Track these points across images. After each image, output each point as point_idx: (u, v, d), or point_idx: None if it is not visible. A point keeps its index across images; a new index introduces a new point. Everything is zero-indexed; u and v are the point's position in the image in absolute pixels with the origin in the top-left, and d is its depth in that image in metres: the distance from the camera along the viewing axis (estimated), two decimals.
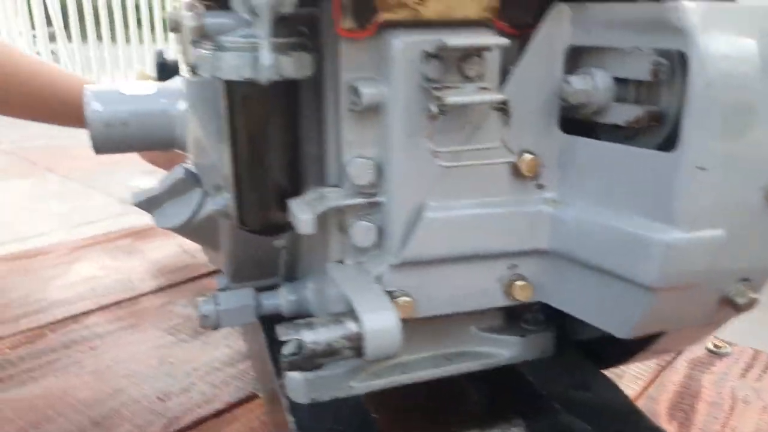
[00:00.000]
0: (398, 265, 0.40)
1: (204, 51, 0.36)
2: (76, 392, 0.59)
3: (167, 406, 0.56)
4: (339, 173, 0.41)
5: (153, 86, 0.55)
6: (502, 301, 0.44)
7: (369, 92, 0.37)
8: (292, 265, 0.56)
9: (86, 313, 0.74)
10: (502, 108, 0.36)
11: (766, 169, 0.35)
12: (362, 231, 0.40)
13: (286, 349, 0.35)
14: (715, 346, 0.62)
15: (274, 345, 0.42)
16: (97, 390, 0.59)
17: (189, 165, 0.49)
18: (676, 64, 0.35)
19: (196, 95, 0.43)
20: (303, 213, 0.37)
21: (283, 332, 0.36)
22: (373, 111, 0.38)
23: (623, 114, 0.38)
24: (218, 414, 0.55)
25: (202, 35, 0.35)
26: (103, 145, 0.54)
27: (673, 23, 0.33)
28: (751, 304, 0.39)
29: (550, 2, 0.38)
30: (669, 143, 0.35)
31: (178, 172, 0.49)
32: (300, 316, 0.51)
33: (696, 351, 0.64)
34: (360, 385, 0.45)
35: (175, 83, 0.56)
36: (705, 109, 0.33)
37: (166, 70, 0.61)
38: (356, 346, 0.36)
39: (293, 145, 0.39)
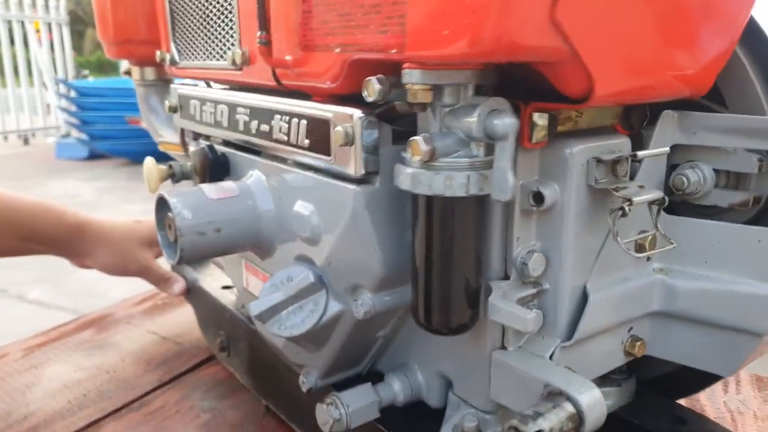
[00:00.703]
0: (570, 345, 0.45)
1: (420, 169, 0.38)
2: None
3: None
4: (505, 267, 0.44)
5: (234, 187, 0.52)
6: (622, 360, 0.51)
7: (549, 194, 0.42)
8: (378, 356, 0.56)
9: (96, 423, 0.66)
10: (662, 201, 0.43)
11: None
12: (534, 318, 0.44)
13: None
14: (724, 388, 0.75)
15: None
16: None
17: (312, 268, 0.48)
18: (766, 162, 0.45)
19: (363, 204, 0.43)
20: (526, 313, 0.40)
21: (525, 423, 0.38)
22: (543, 210, 0.43)
23: (726, 198, 0.47)
24: None
25: (430, 157, 0.37)
26: (191, 254, 0.50)
27: None
28: None
29: (660, 111, 0.46)
30: (757, 221, 0.45)
31: (306, 278, 0.48)
32: (411, 403, 0.53)
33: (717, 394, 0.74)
34: None
35: (251, 180, 0.54)
36: None
37: (217, 165, 0.58)
38: (576, 424, 0.40)
39: (480, 250, 0.42)
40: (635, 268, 0.49)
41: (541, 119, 0.39)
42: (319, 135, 0.45)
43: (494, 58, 0.33)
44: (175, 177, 0.66)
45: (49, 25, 7.36)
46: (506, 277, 0.44)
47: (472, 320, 0.42)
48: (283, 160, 0.52)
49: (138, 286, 0.92)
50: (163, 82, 0.82)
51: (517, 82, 0.40)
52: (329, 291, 0.49)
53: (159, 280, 0.88)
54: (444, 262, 0.40)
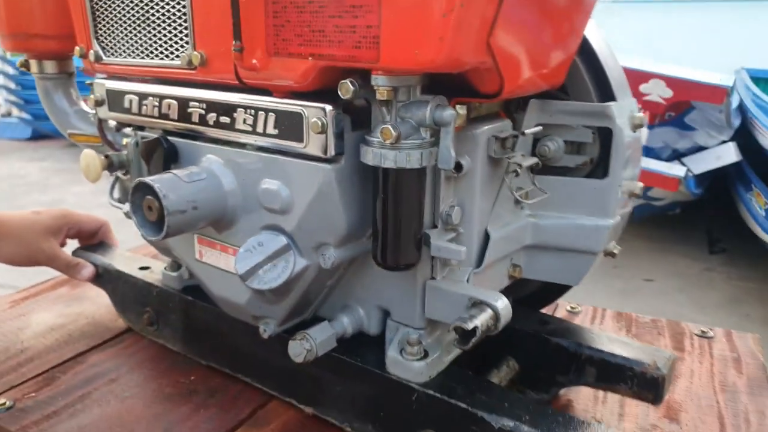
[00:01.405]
0: (480, 272, 0.61)
1: (380, 150, 0.51)
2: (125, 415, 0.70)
3: None
4: (434, 219, 0.59)
5: (200, 170, 0.61)
6: (508, 281, 0.69)
7: (465, 164, 0.57)
8: (320, 305, 0.69)
9: (82, 354, 0.82)
10: (537, 165, 0.61)
11: (633, 184, 0.68)
12: (464, 251, 0.59)
13: (472, 333, 0.53)
14: (572, 307, 0.96)
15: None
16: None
17: (279, 232, 0.59)
18: (597, 134, 0.65)
19: (333, 178, 0.54)
20: (459, 248, 0.55)
21: (464, 323, 0.53)
22: (459, 177, 0.58)
23: (573, 160, 0.66)
24: None
25: (396, 140, 0.50)
26: (175, 230, 0.58)
27: (608, 113, 0.63)
28: (616, 253, 0.72)
29: (528, 100, 0.64)
30: (590, 174, 0.66)
31: (279, 241, 0.58)
32: (355, 334, 0.67)
33: (561, 312, 0.95)
34: (449, 358, 0.64)
35: (210, 164, 0.62)
36: (620, 155, 0.64)
37: (165, 157, 0.65)
38: (495, 322, 0.56)
39: (422, 207, 0.56)
40: (514, 215, 0.67)
41: (461, 110, 0.54)
42: (289, 125, 0.55)
43: (448, 70, 0.47)
44: (113, 167, 0.71)
45: None
46: (434, 227, 0.59)
47: (417, 259, 0.57)
48: (243, 146, 0.61)
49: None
50: (66, 75, 0.83)
51: (439, 82, 0.55)
52: (296, 251, 0.60)
53: (67, 267, 0.90)
54: (400, 216, 0.54)
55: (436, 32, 0.44)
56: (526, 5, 0.48)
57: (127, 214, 0.79)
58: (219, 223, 0.63)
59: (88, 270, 0.90)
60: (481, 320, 0.55)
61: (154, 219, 0.58)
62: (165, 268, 0.83)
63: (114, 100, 0.72)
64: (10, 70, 6.27)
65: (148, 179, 0.57)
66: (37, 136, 6.22)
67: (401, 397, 0.61)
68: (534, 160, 0.61)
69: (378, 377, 0.62)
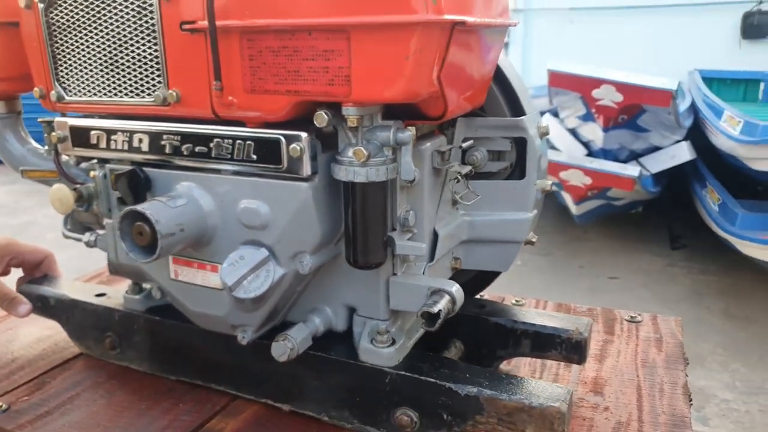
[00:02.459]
0: (432, 265, 0.72)
1: (352, 167, 0.60)
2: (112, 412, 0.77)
3: None
4: (392, 223, 0.69)
5: (181, 196, 0.67)
6: (450, 273, 0.80)
7: (416, 175, 0.68)
8: (290, 308, 0.77)
9: (69, 361, 0.89)
10: (471, 172, 0.73)
11: (544, 182, 0.82)
12: (424, 247, 0.69)
13: (437, 316, 0.64)
14: (516, 300, 1.04)
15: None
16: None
17: (259, 245, 0.67)
18: (514, 143, 0.78)
19: (311, 195, 0.63)
20: (420, 245, 0.66)
21: (430, 308, 0.64)
22: (411, 186, 0.69)
23: (495, 166, 0.79)
24: None
25: (364, 160, 0.60)
26: (166, 252, 0.64)
27: (521, 126, 0.76)
28: (534, 241, 0.85)
29: (455, 119, 0.76)
30: (510, 177, 0.79)
31: (260, 253, 0.66)
32: (325, 332, 0.75)
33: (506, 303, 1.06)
34: (411, 342, 0.74)
35: (187, 190, 0.69)
36: (534, 161, 0.77)
37: (140, 186, 0.70)
38: (452, 305, 0.67)
39: (386, 213, 0.66)
40: (452, 215, 0.78)
41: (411, 130, 0.65)
42: (267, 151, 0.63)
43: (408, 101, 0.58)
44: (82, 198, 0.75)
45: None
46: (393, 230, 0.70)
47: (384, 258, 0.67)
48: (217, 171, 0.68)
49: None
50: (15, 114, 0.85)
51: (393, 108, 0.65)
52: (275, 260, 0.68)
53: (3, 300, 0.90)
54: (369, 222, 0.64)
55: (400, 71, 0.55)
56: (463, 47, 0.60)
57: (87, 244, 0.83)
58: (198, 242, 0.70)
59: (26, 307, 0.90)
60: (442, 305, 0.65)
61: (146, 243, 0.63)
62: (126, 292, 0.86)
63: (78, 136, 0.76)
64: None
65: (138, 207, 0.63)
66: None
67: (375, 381, 0.70)
68: (469, 168, 0.73)
69: (353, 366, 0.71)
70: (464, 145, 0.74)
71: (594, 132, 3.80)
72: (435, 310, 0.64)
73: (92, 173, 0.75)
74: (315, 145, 0.63)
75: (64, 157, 0.82)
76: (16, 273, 0.97)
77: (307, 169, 0.63)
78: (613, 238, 4.21)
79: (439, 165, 0.71)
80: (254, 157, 0.65)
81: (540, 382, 0.67)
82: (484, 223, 0.80)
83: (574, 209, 3.96)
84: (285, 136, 0.62)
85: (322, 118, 0.59)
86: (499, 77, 0.78)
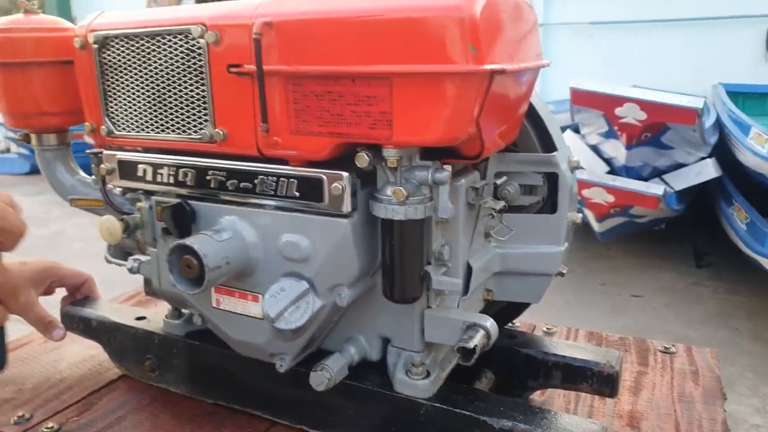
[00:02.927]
0: (466, 299, 0.74)
1: (391, 205, 0.62)
2: None
3: None
4: (427, 257, 0.71)
5: (227, 229, 0.70)
6: (483, 305, 0.82)
7: (452, 209, 0.70)
8: (325, 337, 0.79)
9: (115, 381, 0.93)
10: (504, 207, 0.75)
11: (574, 215, 0.83)
12: (460, 282, 0.71)
13: (473, 351, 0.65)
14: (548, 328, 1.08)
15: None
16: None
17: (299, 278, 0.69)
18: (545, 178, 0.80)
19: (350, 230, 0.65)
20: (455, 280, 0.67)
21: (466, 344, 0.65)
22: (446, 221, 0.71)
23: (527, 200, 0.81)
24: None
25: (403, 200, 0.62)
26: (212, 283, 0.66)
27: (553, 161, 0.78)
28: (564, 272, 0.86)
29: (488, 156, 0.78)
30: (541, 210, 0.80)
31: (300, 285, 0.68)
32: (360, 362, 0.77)
33: (538, 333, 1.05)
34: (444, 374, 0.75)
35: (231, 223, 0.71)
36: (566, 195, 0.79)
37: (185, 219, 0.73)
38: (487, 339, 0.69)
39: (423, 249, 0.68)
40: (485, 248, 0.80)
41: (447, 170, 0.67)
42: (310, 189, 0.66)
43: (447, 144, 0.60)
44: (129, 229, 0.78)
45: None
46: (428, 263, 0.71)
47: (421, 292, 0.69)
48: (260, 206, 0.71)
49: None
50: (65, 146, 0.89)
51: (430, 148, 0.67)
52: (314, 293, 0.70)
53: (38, 322, 0.93)
54: (407, 258, 0.66)
55: (441, 117, 0.57)
56: (501, 91, 0.62)
57: (131, 270, 0.86)
58: (241, 274, 0.72)
59: (60, 332, 0.94)
60: (478, 339, 0.67)
61: (194, 276, 0.66)
62: (166, 317, 0.89)
63: (126, 169, 0.79)
64: None
65: (186, 241, 0.66)
66: (35, 171, 6.36)
67: (410, 412, 0.72)
68: (502, 204, 0.75)
69: (388, 397, 0.73)
70: (500, 180, 0.76)
71: (617, 149, 3.77)
72: (471, 345, 0.66)
73: (138, 204, 0.78)
74: (355, 183, 0.65)
75: (110, 188, 0.85)
76: (60, 293, 1.01)
77: (347, 206, 0.65)
78: (636, 256, 4.15)
79: (474, 200, 0.73)
80: (297, 193, 0.67)
81: (574, 417, 0.68)
82: (516, 256, 0.81)
83: (596, 226, 3.93)
84: (327, 175, 0.65)
85: (363, 160, 0.62)
86: (531, 113, 0.80)
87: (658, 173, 3.84)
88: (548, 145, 0.80)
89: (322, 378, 0.71)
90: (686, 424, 0.81)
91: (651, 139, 3.60)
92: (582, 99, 3.68)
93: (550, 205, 0.80)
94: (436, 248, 0.71)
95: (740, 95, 4.65)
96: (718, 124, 3.88)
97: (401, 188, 0.62)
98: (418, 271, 0.67)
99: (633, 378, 0.93)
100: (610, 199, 3.61)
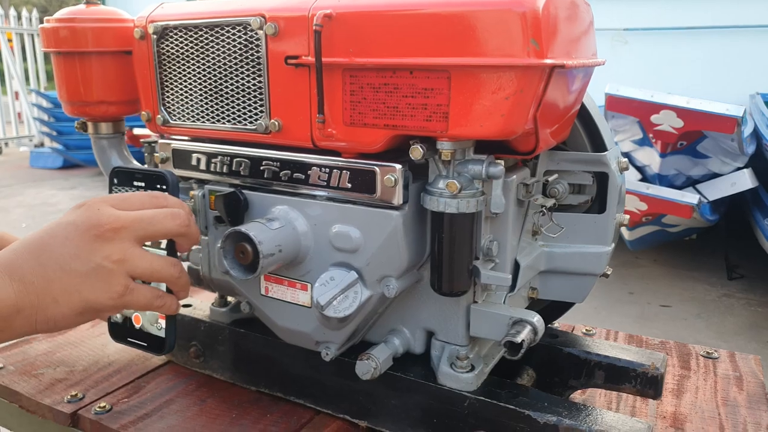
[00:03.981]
0: (512, 296, 0.74)
1: (443, 198, 0.63)
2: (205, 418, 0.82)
3: None
4: (475, 252, 0.71)
5: (279, 218, 0.71)
6: (527, 302, 0.81)
7: (504, 204, 0.70)
8: (370, 328, 0.79)
9: (163, 366, 0.94)
10: (555, 205, 0.74)
11: (622, 216, 0.82)
12: (508, 278, 0.71)
13: (521, 346, 0.65)
14: (587, 330, 1.07)
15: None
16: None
17: (348, 268, 0.69)
18: (595, 177, 0.79)
19: (401, 222, 0.66)
20: (504, 275, 0.67)
21: (513, 338, 0.65)
22: (496, 217, 0.71)
23: (576, 199, 0.80)
24: None
25: (456, 192, 0.62)
26: (266, 269, 0.67)
27: (603, 161, 0.77)
28: (609, 274, 0.86)
29: (539, 154, 0.77)
30: (589, 210, 0.80)
31: (350, 275, 0.69)
32: (403, 353, 0.77)
33: (577, 332, 1.06)
34: (488, 369, 0.75)
35: (283, 213, 0.72)
36: (614, 195, 0.78)
37: (239, 208, 0.75)
38: (534, 335, 0.68)
39: (473, 243, 0.68)
40: (532, 246, 0.80)
41: (501, 164, 0.67)
42: (362, 180, 0.67)
43: (504, 138, 0.60)
44: None
45: (21, 36, 7.64)
46: (477, 258, 0.71)
47: (469, 286, 0.69)
48: (311, 196, 0.72)
49: None
50: (120, 135, 0.91)
51: (485, 141, 0.67)
52: (363, 283, 0.70)
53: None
54: (457, 251, 0.66)
55: (500, 110, 0.57)
56: (558, 87, 0.62)
57: (180, 258, 0.87)
58: (292, 262, 0.73)
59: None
60: (525, 335, 0.67)
61: (248, 262, 0.67)
62: (213, 305, 0.91)
63: (180, 158, 0.81)
64: (45, 103, 6.85)
65: (242, 228, 0.67)
66: (68, 166, 6.56)
67: (454, 405, 0.72)
68: (553, 201, 0.75)
69: (432, 389, 0.73)
70: (552, 177, 0.75)
71: (651, 157, 3.71)
72: (518, 340, 0.65)
73: (191, 193, 0.80)
74: (408, 176, 0.66)
75: None
76: None
77: (399, 199, 0.65)
78: (666, 265, 4.07)
79: (524, 197, 0.72)
80: (349, 185, 0.68)
81: (619, 414, 0.68)
82: (562, 255, 0.80)
83: (626, 234, 3.87)
84: (380, 167, 0.65)
85: (418, 152, 0.62)
86: (582, 113, 0.79)
87: (691, 182, 3.77)
88: (598, 145, 0.79)
89: (368, 367, 0.71)
90: (731, 428, 0.80)
91: (686, 147, 3.53)
92: (617, 105, 3.62)
93: (598, 204, 0.80)
94: (484, 243, 0.71)
95: None
96: (756, 134, 3.80)
97: (455, 181, 0.62)
98: (467, 265, 0.67)
99: (675, 381, 0.91)
100: (643, 207, 3.55)
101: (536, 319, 0.68)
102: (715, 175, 3.71)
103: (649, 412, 0.83)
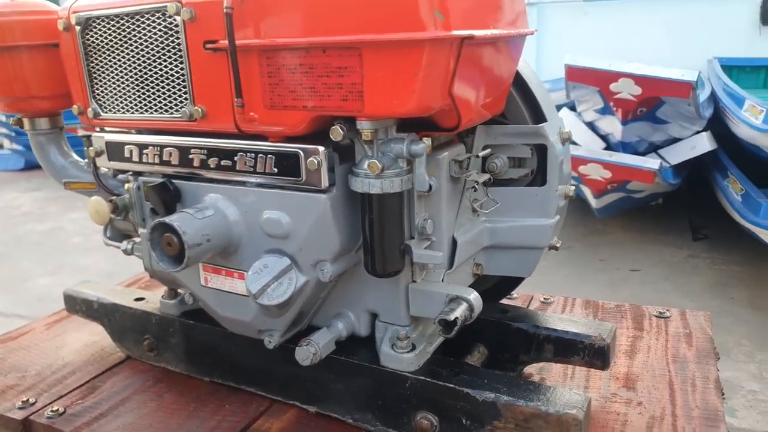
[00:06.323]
0: (452, 272, 0.72)
1: (367, 179, 0.61)
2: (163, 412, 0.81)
3: None
4: (410, 231, 0.70)
5: (208, 207, 0.69)
6: (472, 279, 0.80)
7: (433, 184, 0.68)
8: (315, 313, 0.78)
9: (119, 364, 0.93)
10: (489, 180, 0.73)
11: (567, 188, 0.81)
12: (442, 255, 0.70)
13: (454, 323, 0.64)
14: (545, 298, 1.07)
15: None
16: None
17: (281, 254, 0.68)
18: (534, 150, 0.78)
19: (329, 205, 0.64)
20: (437, 254, 0.66)
21: (446, 316, 0.64)
22: (429, 195, 0.69)
23: (515, 173, 0.79)
24: None
25: (379, 172, 0.61)
26: (194, 261, 0.66)
27: (542, 133, 0.75)
28: (558, 246, 0.85)
29: (475, 127, 0.76)
30: (531, 183, 0.78)
31: (282, 262, 0.67)
32: (348, 337, 0.76)
33: (534, 304, 1.06)
34: (431, 348, 0.74)
35: (213, 201, 0.71)
36: (555, 167, 0.77)
37: (170, 198, 0.73)
38: (470, 312, 0.67)
39: (403, 223, 0.67)
40: (473, 222, 0.78)
41: (428, 141, 0.65)
42: (287, 164, 0.65)
43: (419, 114, 0.58)
44: (118, 209, 0.78)
45: None
46: (412, 238, 0.70)
47: (402, 266, 0.68)
48: (242, 183, 0.70)
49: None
50: (58, 130, 0.89)
51: (408, 120, 0.66)
52: (297, 269, 0.69)
53: None
54: (386, 232, 0.65)
55: (410, 87, 0.55)
56: (475, 59, 0.60)
57: (125, 251, 0.86)
58: (225, 251, 0.72)
59: None
60: (459, 312, 0.66)
61: (174, 253, 0.66)
62: (163, 297, 0.90)
63: (113, 150, 0.79)
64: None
65: (166, 219, 0.65)
66: (30, 167, 6.31)
67: (396, 386, 0.71)
68: (487, 176, 0.73)
69: (375, 371, 0.72)
70: (483, 153, 0.74)
71: (613, 125, 3.73)
72: (452, 317, 0.64)
73: (126, 185, 0.78)
74: (332, 157, 0.64)
75: (102, 170, 0.85)
76: (75, 276, 1.03)
77: (324, 181, 0.64)
78: (634, 231, 4.13)
79: (457, 174, 0.71)
80: (275, 170, 0.66)
81: (558, 388, 0.67)
82: (505, 230, 0.79)
83: (593, 203, 3.89)
84: (303, 149, 0.64)
85: (337, 132, 0.61)
86: (520, 84, 0.77)
87: (653, 148, 3.83)
88: (538, 116, 0.78)
89: (307, 353, 0.70)
90: (680, 383, 0.81)
91: (646, 113, 3.59)
92: (577, 76, 3.63)
93: (540, 177, 0.78)
94: (419, 222, 0.70)
95: (734, 69, 4.60)
96: (713, 98, 3.86)
97: (376, 161, 0.60)
98: (398, 245, 0.66)
99: (629, 342, 0.92)
100: (607, 174, 3.58)
101: (473, 296, 0.68)
102: (676, 140, 3.77)
103: (602, 374, 0.83)
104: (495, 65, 0.66)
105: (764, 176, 3.60)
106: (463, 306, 0.67)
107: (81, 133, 0.86)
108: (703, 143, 3.69)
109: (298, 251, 0.68)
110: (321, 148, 0.63)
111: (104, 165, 0.81)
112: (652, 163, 3.53)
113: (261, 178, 0.68)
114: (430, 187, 0.68)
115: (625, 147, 3.79)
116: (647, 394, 0.80)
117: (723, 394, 0.79)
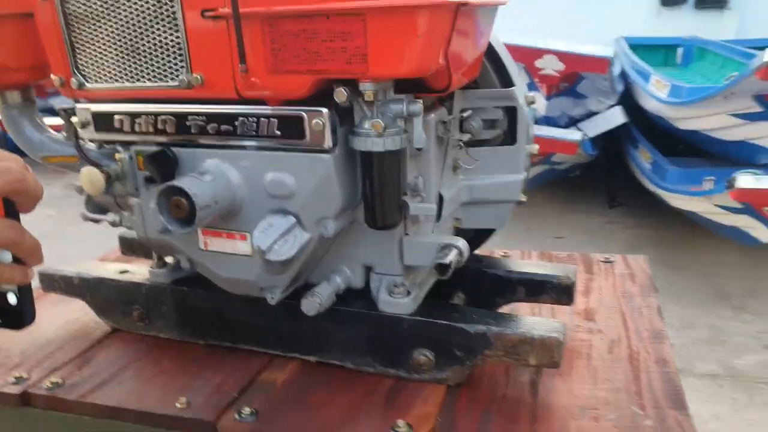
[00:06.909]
0: (438, 226, 0.79)
1: (370, 138, 0.66)
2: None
3: None
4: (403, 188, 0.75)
5: (211, 171, 0.71)
6: (453, 231, 0.87)
7: (426, 140, 0.74)
8: (312, 270, 0.82)
9: (108, 337, 0.93)
10: (470, 139, 0.79)
11: (532, 147, 0.89)
12: (434, 207, 0.76)
13: (449, 266, 0.70)
14: (504, 253, 1.14)
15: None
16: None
17: (285, 213, 0.72)
18: (505, 112, 0.84)
19: (333, 165, 0.68)
20: (429, 206, 0.72)
21: (442, 260, 0.70)
22: (419, 154, 0.75)
23: (489, 134, 0.85)
24: None
25: (381, 132, 0.65)
26: (203, 221, 0.68)
27: (512, 96, 0.82)
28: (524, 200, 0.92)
29: (453, 92, 0.82)
30: (503, 143, 0.85)
31: (288, 220, 0.71)
32: (345, 290, 0.81)
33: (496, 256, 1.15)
34: (423, 293, 0.80)
35: (214, 166, 0.73)
36: (523, 127, 0.84)
37: (169, 165, 0.74)
38: (460, 256, 0.74)
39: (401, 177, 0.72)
40: (453, 180, 0.85)
41: (420, 102, 0.70)
42: (291, 127, 0.68)
43: (420, 75, 0.63)
44: (111, 179, 0.79)
45: None
46: (405, 194, 0.75)
47: (400, 220, 0.73)
48: (242, 147, 0.73)
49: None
50: (30, 103, 0.87)
51: (402, 82, 0.70)
52: (301, 226, 0.73)
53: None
54: (387, 188, 0.70)
55: (413, 49, 0.60)
56: (465, 26, 0.65)
57: (113, 224, 0.87)
58: (229, 214, 0.74)
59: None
60: (452, 256, 0.72)
61: (184, 215, 0.68)
62: (151, 267, 0.91)
63: (102, 121, 0.79)
64: None
65: (175, 182, 0.67)
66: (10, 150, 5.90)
67: (395, 327, 0.77)
68: (468, 136, 0.80)
69: (374, 317, 0.78)
70: (465, 114, 0.80)
71: (537, 100, 3.93)
72: (447, 261, 0.71)
73: (117, 156, 0.79)
74: (334, 119, 0.68)
75: (83, 142, 0.85)
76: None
77: (328, 142, 0.68)
78: (557, 201, 4.42)
79: (443, 134, 0.77)
80: (278, 132, 0.69)
81: (538, 318, 0.75)
82: (481, 186, 0.86)
83: None
84: (307, 112, 0.67)
85: (341, 94, 0.65)
86: (490, 52, 0.83)
87: (573, 122, 4.08)
88: (506, 81, 0.84)
89: (313, 303, 0.75)
90: (630, 313, 0.95)
91: (568, 89, 3.83)
92: None
93: (510, 137, 0.85)
94: (411, 180, 0.75)
95: (640, 47, 4.95)
96: (623, 74, 4.15)
97: (379, 120, 0.65)
98: (397, 200, 0.71)
99: (583, 284, 1.06)
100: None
101: (461, 243, 0.74)
102: (593, 114, 4.05)
103: (566, 310, 0.93)
104: (477, 32, 0.72)
105: (670, 146, 3.92)
106: (455, 251, 0.73)
107: (59, 107, 0.84)
108: (617, 116, 3.97)
109: (301, 210, 0.72)
110: (325, 110, 0.67)
111: (90, 137, 0.81)
112: (574, 135, 3.77)
113: (263, 141, 0.71)
114: (421, 147, 0.73)
115: (548, 121, 4.01)
116: (605, 323, 0.93)
117: (663, 318, 0.94)
